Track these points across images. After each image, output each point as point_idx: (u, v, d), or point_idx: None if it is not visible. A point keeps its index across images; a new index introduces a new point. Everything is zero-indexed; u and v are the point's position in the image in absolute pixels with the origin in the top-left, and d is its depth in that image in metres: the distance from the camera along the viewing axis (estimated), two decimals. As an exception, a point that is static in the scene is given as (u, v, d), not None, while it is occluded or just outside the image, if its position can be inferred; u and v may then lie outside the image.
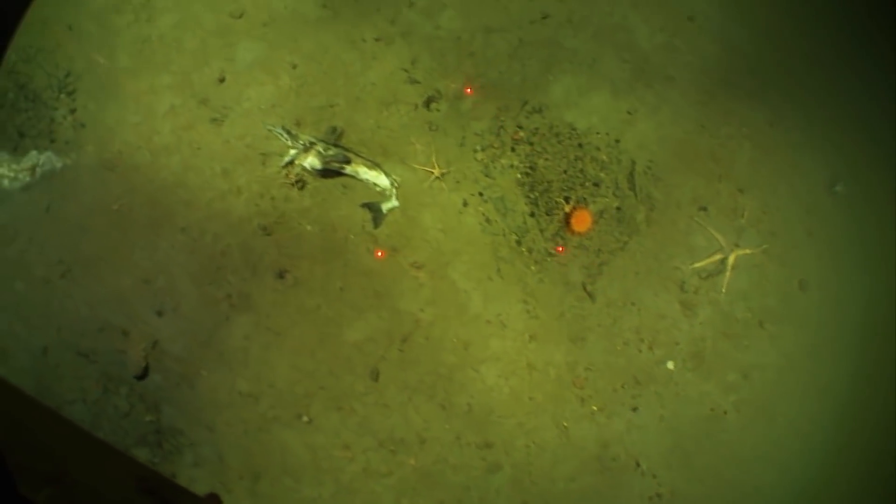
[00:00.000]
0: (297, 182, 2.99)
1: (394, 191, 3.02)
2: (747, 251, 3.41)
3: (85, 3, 3.27)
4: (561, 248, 3.13)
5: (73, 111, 3.34)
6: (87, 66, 3.28)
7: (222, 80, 3.04)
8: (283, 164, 2.99)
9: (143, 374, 3.12)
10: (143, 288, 3.02)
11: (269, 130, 2.99)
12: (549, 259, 3.31)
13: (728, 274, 3.39)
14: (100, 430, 3.08)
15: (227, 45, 3.12)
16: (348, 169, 2.98)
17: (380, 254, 2.98)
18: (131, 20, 3.17)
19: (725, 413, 3.37)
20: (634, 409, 3.30)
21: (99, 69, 3.27)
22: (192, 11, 3.16)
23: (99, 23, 3.30)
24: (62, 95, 3.38)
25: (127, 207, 3.06)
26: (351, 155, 2.99)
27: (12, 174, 3.35)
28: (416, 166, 3.09)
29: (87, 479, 2.73)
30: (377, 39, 3.16)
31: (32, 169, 3.33)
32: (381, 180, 3.00)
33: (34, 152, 3.39)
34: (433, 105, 3.13)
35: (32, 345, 3.16)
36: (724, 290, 3.39)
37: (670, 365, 3.35)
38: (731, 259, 3.40)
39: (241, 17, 3.11)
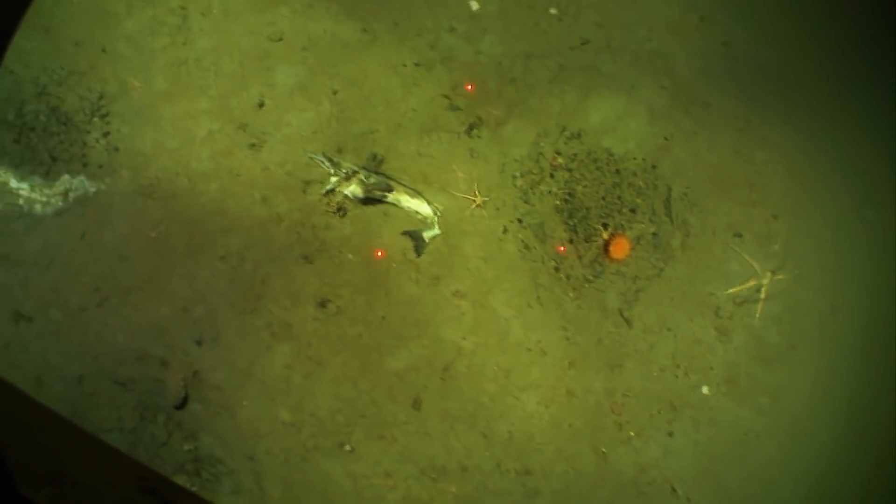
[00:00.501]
0: (338, 210, 2.86)
1: (436, 219, 2.89)
2: (781, 277, 3.40)
3: (119, 26, 3.11)
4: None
5: (106, 135, 3.21)
6: (121, 89, 3.14)
7: (262, 106, 2.88)
8: (324, 191, 2.85)
9: (182, 404, 3.03)
10: (182, 317, 2.85)
11: (311, 158, 2.85)
12: (586, 285, 3.27)
13: (762, 299, 3.38)
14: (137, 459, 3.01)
15: (265, 70, 2.94)
16: (390, 197, 2.85)
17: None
18: (167, 43, 2.96)
19: (757, 436, 3.38)
20: (670, 434, 3.29)
21: (133, 92, 3.13)
22: (230, 34, 2.95)
23: (133, 45, 3.06)
24: (95, 119, 3.24)
25: (164, 235, 2.86)
26: (393, 183, 2.86)
27: (44, 199, 3.23)
28: (458, 194, 2.94)
29: (87, 479, 2.64)
30: (417, 65, 3.00)
31: (65, 194, 3.21)
32: (423, 208, 2.88)
33: (66, 176, 3.26)
34: (474, 132, 3.01)
35: (68, 373, 3.06)
36: (757, 316, 3.39)
37: (705, 390, 3.33)
38: (764, 285, 3.39)
39: (279, 40, 2.93)
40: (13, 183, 3.07)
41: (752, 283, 3.22)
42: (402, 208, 2.89)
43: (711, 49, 3.27)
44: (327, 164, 2.86)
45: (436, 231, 2.91)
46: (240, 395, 2.87)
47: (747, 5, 3.33)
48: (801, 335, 3.25)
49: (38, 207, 3.09)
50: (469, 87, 3.01)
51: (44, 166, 3.08)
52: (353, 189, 2.84)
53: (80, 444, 2.79)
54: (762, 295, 3.22)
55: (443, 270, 2.95)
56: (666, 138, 3.21)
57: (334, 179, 2.85)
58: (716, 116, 3.25)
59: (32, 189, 3.08)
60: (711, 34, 3.28)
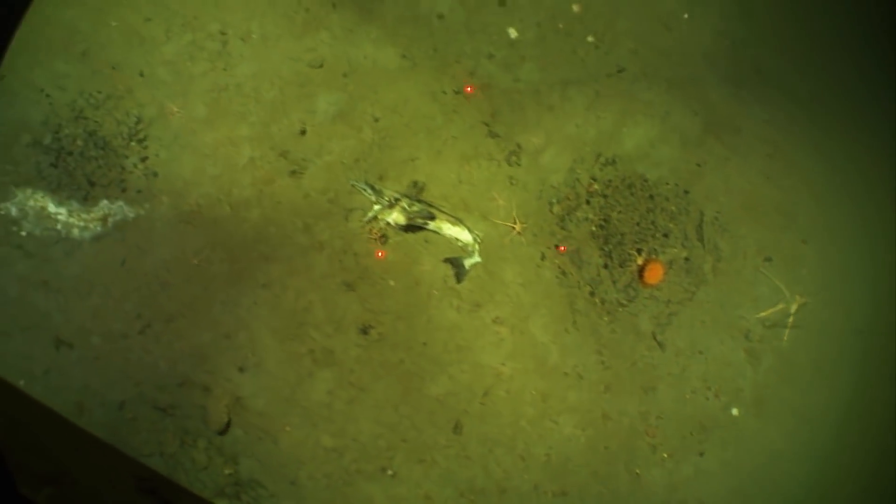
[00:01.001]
0: (380, 237, 2.78)
1: (476, 246, 2.81)
2: (809, 300, 3.43)
3: (157, 50, 2.85)
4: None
5: (144, 159, 3.12)
6: (159, 114, 3.06)
7: (303, 133, 2.77)
8: (366, 219, 2.77)
9: (224, 429, 2.96)
10: (224, 343, 2.73)
11: (353, 185, 2.77)
12: (620, 310, 3.27)
13: (790, 322, 3.41)
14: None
15: (306, 96, 2.82)
16: (432, 225, 2.77)
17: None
18: (207, 69, 2.83)
19: (784, 456, 3.42)
20: (701, 455, 3.30)
21: (172, 118, 3.06)
22: (270, 60, 2.82)
23: (172, 70, 2.85)
24: (133, 143, 3.15)
25: (206, 262, 2.73)
26: (434, 210, 2.78)
27: (82, 223, 3.15)
28: (498, 221, 2.85)
29: (87, 479, 2.58)
30: (457, 92, 2.89)
31: (104, 219, 3.13)
32: (464, 236, 2.80)
33: (105, 201, 3.19)
34: (513, 159, 2.92)
35: (109, 399, 3.00)
36: (785, 338, 3.42)
37: (735, 411, 3.35)
38: (793, 308, 3.42)
39: (320, 66, 2.81)
40: (51, 207, 3.00)
41: (780, 306, 3.24)
42: (443, 235, 2.86)
43: (743, 75, 3.26)
44: (370, 191, 2.76)
45: (476, 258, 2.89)
46: (282, 420, 2.85)
47: (778, 32, 3.33)
48: (826, 356, 3.27)
49: (76, 232, 3.02)
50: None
51: (82, 191, 3.01)
52: (395, 217, 2.81)
53: (80, 444, 2.70)
54: (790, 318, 3.25)
55: (483, 297, 2.94)
56: (698, 164, 3.21)
57: (377, 207, 2.79)
58: (747, 142, 3.25)
59: (70, 214, 3.01)
60: (743, 60, 3.27)
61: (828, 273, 3.20)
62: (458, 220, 2.84)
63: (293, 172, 2.83)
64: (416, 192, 2.85)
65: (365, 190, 2.78)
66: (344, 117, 2.85)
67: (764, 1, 3.25)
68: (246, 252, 2.80)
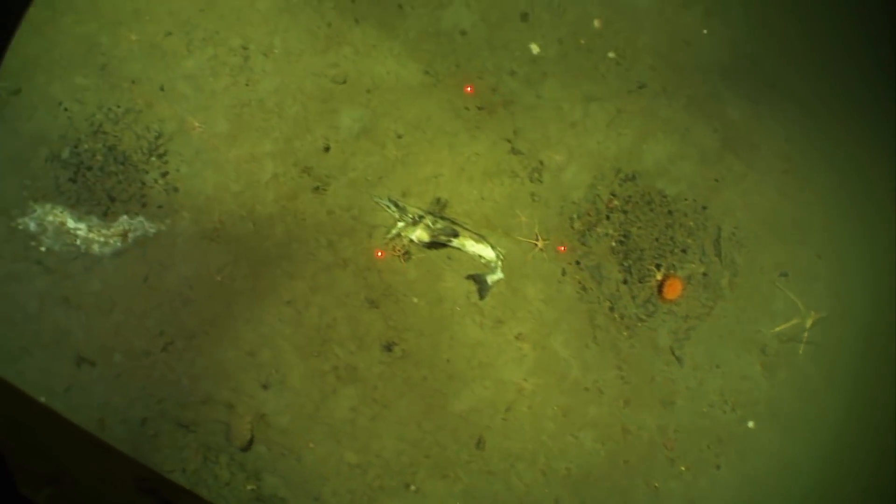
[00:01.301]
0: (403, 254, 2.76)
1: (499, 263, 2.78)
2: (823, 314, 3.47)
3: (178, 65, 2.75)
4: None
5: (164, 175, 3.06)
6: (180, 129, 2.99)
7: (327, 150, 2.72)
8: (389, 236, 2.73)
9: (247, 446, 2.89)
10: (247, 361, 2.68)
11: (377, 202, 2.74)
12: (639, 324, 3.28)
13: (806, 336, 3.45)
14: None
15: (329, 112, 2.76)
16: (455, 242, 2.74)
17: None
18: (229, 83, 2.76)
19: (798, 467, 3.46)
20: (718, 467, 3.32)
21: (192, 133, 3.03)
22: (293, 75, 2.76)
23: (194, 85, 2.76)
24: (153, 158, 3.09)
25: (229, 279, 2.68)
26: (458, 228, 2.75)
27: (102, 239, 3.10)
28: (521, 238, 2.83)
29: (87, 479, 2.54)
30: (480, 108, 2.84)
31: (124, 234, 3.09)
32: (487, 253, 2.77)
33: (125, 217, 3.13)
34: (535, 175, 2.90)
35: (131, 416, 2.97)
36: (801, 352, 3.45)
37: (751, 424, 3.38)
38: (808, 323, 3.45)
39: (344, 82, 2.77)
40: (70, 223, 2.95)
41: (796, 320, 3.27)
42: (466, 252, 2.86)
43: (760, 91, 3.28)
44: (394, 209, 2.71)
45: (499, 275, 2.88)
46: (306, 437, 2.84)
47: (794, 48, 3.34)
48: (841, 370, 3.30)
49: (95, 248, 2.97)
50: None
51: (101, 206, 2.96)
52: (419, 234, 2.78)
53: (80, 444, 2.66)
54: (806, 332, 3.28)
55: (506, 313, 2.94)
56: (716, 180, 3.21)
57: (400, 224, 2.72)
58: (764, 158, 3.26)
59: (90, 229, 2.97)
60: (760, 76, 3.28)
61: (842, 288, 3.22)
62: (481, 237, 2.83)
63: (316, 189, 2.81)
64: (439, 209, 2.83)
65: (389, 207, 2.76)
66: (367, 133, 2.82)
67: (780, 17, 3.26)
68: (269, 269, 2.78)
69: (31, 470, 2.36)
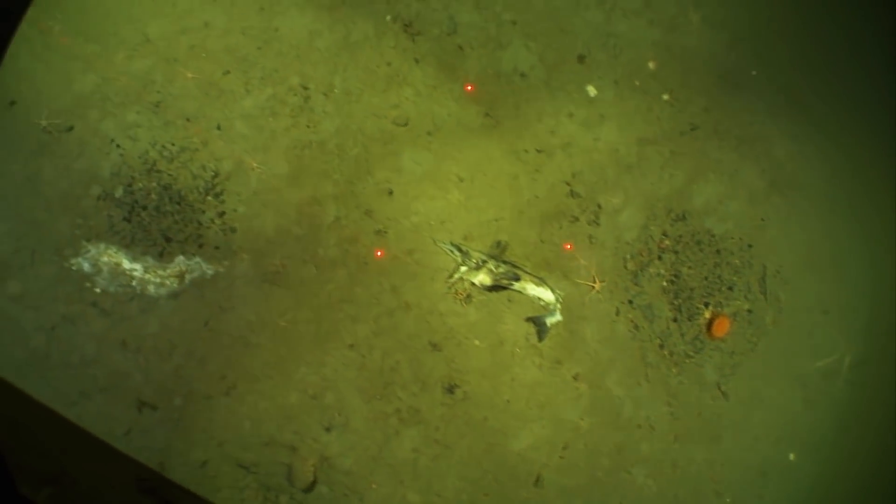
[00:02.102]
0: (465, 297, 2.81)
1: (558, 305, 2.83)
2: (863, 349, 3.61)
3: (236, 104, 2.71)
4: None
5: (221, 214, 3.00)
6: (237, 168, 2.89)
7: (390, 193, 2.75)
8: (452, 280, 2.76)
9: (310, 487, 2.91)
10: (311, 404, 2.70)
11: (440, 247, 2.76)
12: (687, 361, 3.37)
13: (845, 371, 3.59)
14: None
15: (391, 154, 2.77)
16: (516, 285, 2.77)
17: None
18: (289, 124, 2.75)
19: (837, 497, 3.62)
20: (761, 499, 3.48)
21: (250, 173, 3.02)
22: (353, 116, 2.75)
23: (252, 124, 2.74)
24: (209, 197, 3.06)
25: (292, 323, 2.71)
26: (519, 271, 2.79)
27: (158, 280, 3.07)
28: (579, 281, 2.89)
29: (87, 479, 2.56)
30: (539, 151, 2.87)
31: (180, 275, 3.06)
32: (547, 296, 2.81)
33: (181, 257, 3.10)
34: (592, 218, 2.92)
35: (191, 458, 2.97)
36: (840, 387, 3.59)
37: (792, 456, 3.54)
38: (848, 358, 3.59)
39: (405, 125, 2.79)
40: (126, 263, 2.92)
41: (836, 356, 3.41)
42: (526, 295, 2.93)
43: (805, 132, 3.37)
44: (457, 253, 2.72)
45: (558, 317, 2.94)
46: (369, 478, 2.88)
47: (836, 85, 3.44)
48: (879, 404, 3.47)
49: (151, 289, 2.95)
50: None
51: (157, 246, 2.93)
52: (481, 278, 2.82)
53: (80, 444, 2.67)
54: (845, 368, 3.42)
55: (563, 354, 3.01)
56: (762, 219, 3.31)
57: (463, 269, 2.74)
58: (809, 198, 3.35)
59: (146, 270, 2.94)
60: (806, 116, 3.39)
61: (882, 324, 3.36)
62: (541, 281, 2.89)
63: (378, 232, 2.83)
64: (499, 252, 2.88)
65: (452, 251, 2.80)
66: (430, 177, 2.85)
67: (825, 59, 3.36)
68: (332, 313, 2.80)
69: (31, 470, 2.37)
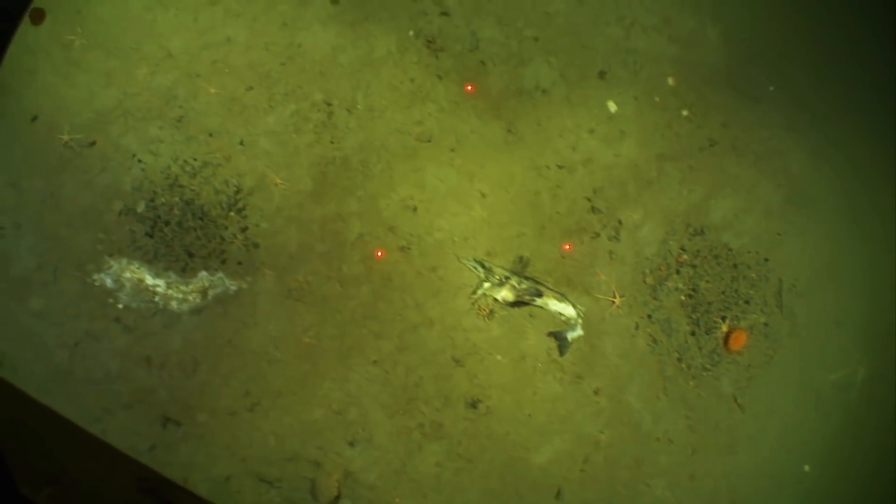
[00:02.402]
0: (488, 313, 2.84)
1: (579, 321, 2.87)
2: (878, 362, 3.68)
3: (260, 119, 2.71)
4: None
5: (244, 230, 3.00)
6: (259, 184, 2.88)
7: (414, 210, 2.77)
8: (476, 296, 2.79)
9: (334, 502, 3.04)
10: (335, 419, 2.72)
11: (464, 263, 2.78)
12: (704, 374, 3.43)
13: (859, 383, 3.66)
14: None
15: (414, 171, 2.78)
16: (539, 301, 2.80)
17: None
18: (312, 140, 2.75)
19: None
20: (775, 509, 3.54)
21: (274, 189, 3.04)
22: (377, 132, 2.77)
23: (276, 141, 2.74)
24: (232, 213, 3.09)
25: (316, 339, 2.74)
26: (541, 287, 2.83)
27: (181, 296, 3.08)
28: (599, 296, 2.93)
29: (87, 479, 2.57)
30: (560, 167, 2.90)
31: (203, 291, 3.07)
32: (569, 311, 2.84)
33: (204, 273, 3.12)
34: (613, 234, 2.97)
35: (215, 474, 2.98)
36: (855, 397, 3.66)
37: (807, 468, 3.61)
38: (861, 370, 3.66)
39: (429, 141, 2.80)
40: (148, 279, 2.93)
41: (851, 368, 3.48)
42: (547, 310, 2.97)
43: (821, 146, 3.42)
44: (480, 269, 2.75)
45: (579, 332, 2.98)
46: (392, 493, 2.91)
47: (852, 100, 3.49)
48: (893, 414, 3.54)
49: (174, 304, 2.96)
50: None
51: (180, 262, 2.94)
52: (504, 294, 2.85)
53: (80, 444, 2.68)
54: (859, 379, 3.48)
55: (584, 369, 3.05)
56: (779, 233, 3.37)
57: (487, 285, 2.76)
58: (824, 212, 3.42)
59: (168, 286, 2.96)
60: (823, 130, 3.44)
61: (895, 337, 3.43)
62: (563, 296, 2.92)
63: (402, 248, 2.85)
64: (521, 268, 2.91)
65: (476, 268, 2.83)
66: (453, 193, 2.88)
67: (841, 74, 3.40)
68: (356, 329, 2.82)
69: (31, 470, 2.38)
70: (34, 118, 2.80)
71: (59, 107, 2.81)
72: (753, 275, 3.24)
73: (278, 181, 2.80)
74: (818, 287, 3.31)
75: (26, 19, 2.88)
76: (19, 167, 2.78)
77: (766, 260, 3.24)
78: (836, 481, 3.29)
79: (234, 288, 2.87)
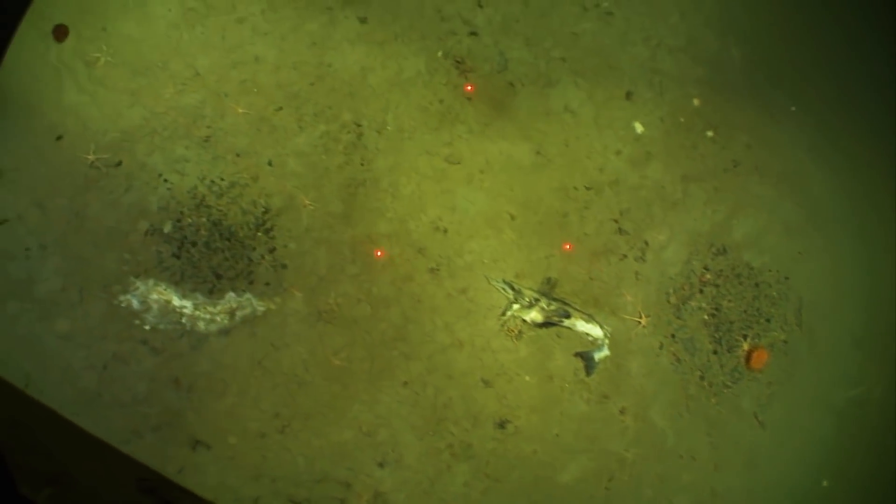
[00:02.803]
0: (517, 334, 2.87)
1: (606, 341, 2.90)
2: (893, 380, 3.76)
3: (289, 140, 2.71)
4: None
5: (271, 251, 2.94)
6: (287, 204, 2.81)
7: (445, 232, 2.77)
8: (505, 318, 2.81)
9: None
10: (364, 441, 2.73)
11: (494, 285, 2.80)
12: (725, 391, 3.50)
13: (877, 400, 3.74)
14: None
15: (444, 192, 2.79)
16: (567, 322, 2.84)
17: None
18: (342, 162, 2.76)
19: None
20: (794, 523, 3.62)
21: (302, 210, 3.05)
22: (406, 154, 2.78)
23: (305, 162, 2.74)
24: (259, 233, 3.09)
25: (346, 361, 2.74)
26: (569, 309, 2.86)
27: (208, 317, 3.09)
28: (626, 317, 2.97)
29: (87, 479, 2.60)
30: (588, 188, 2.94)
31: (231, 312, 3.07)
32: (596, 332, 2.87)
33: (231, 294, 3.13)
34: (639, 255, 3.02)
35: (244, 495, 3.00)
36: (870, 414, 3.75)
37: (825, 482, 3.70)
38: (880, 388, 3.74)
39: (459, 163, 2.80)
40: (175, 301, 2.94)
41: (868, 385, 3.56)
42: (575, 331, 3.01)
43: (841, 166, 3.48)
44: (510, 291, 2.77)
45: (605, 352, 3.02)
46: (421, 513, 2.95)
47: (872, 121, 3.56)
48: None
49: (201, 325, 2.96)
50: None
51: (207, 283, 2.94)
52: (533, 315, 2.88)
53: (80, 444, 2.70)
54: (876, 396, 3.57)
55: (610, 388, 3.10)
56: (800, 252, 3.44)
57: (516, 306, 2.81)
58: (844, 231, 3.49)
59: (196, 307, 2.97)
60: (843, 150, 3.50)
61: (909, 354, 3.51)
62: (590, 317, 2.97)
63: (432, 270, 2.88)
64: (549, 289, 2.95)
65: (505, 290, 2.86)
66: (483, 216, 2.90)
67: (862, 95, 3.46)
68: (386, 350, 2.85)
69: (31, 470, 2.39)
70: (59, 137, 2.78)
71: (85, 126, 2.79)
72: (774, 293, 3.30)
73: (307, 202, 2.81)
74: (837, 305, 3.37)
75: (49, 35, 2.85)
76: (44, 187, 2.76)
77: (787, 278, 3.30)
78: (853, 496, 3.37)
79: (262, 309, 2.88)
